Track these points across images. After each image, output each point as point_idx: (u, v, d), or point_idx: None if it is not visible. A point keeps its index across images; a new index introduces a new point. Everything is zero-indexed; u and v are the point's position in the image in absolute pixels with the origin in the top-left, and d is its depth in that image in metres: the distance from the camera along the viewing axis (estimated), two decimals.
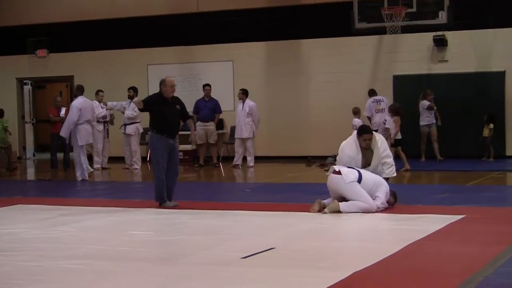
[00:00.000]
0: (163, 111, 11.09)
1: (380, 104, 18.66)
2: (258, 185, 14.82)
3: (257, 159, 19.69)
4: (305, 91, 20.98)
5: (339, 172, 10.08)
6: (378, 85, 20.33)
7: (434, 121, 18.65)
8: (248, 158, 19.24)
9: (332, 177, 10.17)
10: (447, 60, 19.88)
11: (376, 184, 10.11)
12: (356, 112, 18.76)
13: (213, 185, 15.97)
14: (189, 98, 21.08)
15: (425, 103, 18.56)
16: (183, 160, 20.32)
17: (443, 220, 8.99)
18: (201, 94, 20.10)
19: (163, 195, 11.04)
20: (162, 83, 11.27)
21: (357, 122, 18.05)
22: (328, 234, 8.58)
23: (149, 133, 11.51)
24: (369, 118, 18.68)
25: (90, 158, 20.85)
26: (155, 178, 11.13)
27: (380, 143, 10.63)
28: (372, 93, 19.10)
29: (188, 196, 12.65)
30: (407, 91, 19.66)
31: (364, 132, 10.56)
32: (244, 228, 9.01)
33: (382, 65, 20.39)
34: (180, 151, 20.25)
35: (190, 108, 19.54)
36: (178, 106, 11.41)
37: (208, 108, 19.74)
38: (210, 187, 15.35)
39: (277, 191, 13.37)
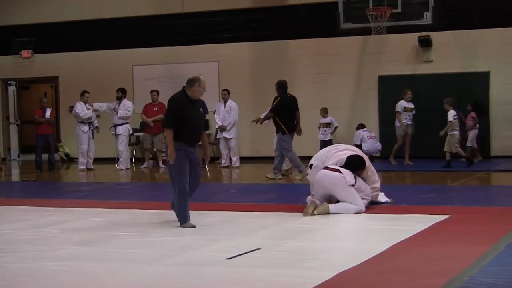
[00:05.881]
0: (187, 114, 9.30)
1: (371, 132, 19.25)
2: (243, 185, 14.82)
3: (242, 159, 19.70)
4: (291, 91, 20.83)
5: (336, 170, 9.86)
6: (364, 85, 20.43)
7: (410, 123, 18.36)
8: (233, 159, 19.29)
9: (326, 173, 9.85)
10: (431, 61, 19.96)
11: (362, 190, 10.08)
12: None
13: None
14: None
15: (402, 103, 18.37)
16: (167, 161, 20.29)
17: (428, 220, 9.02)
18: None
19: (187, 213, 9.29)
20: (196, 81, 9.30)
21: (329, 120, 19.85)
22: (313, 235, 8.58)
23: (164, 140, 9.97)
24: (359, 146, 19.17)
25: (71, 159, 20.90)
26: (176, 194, 9.32)
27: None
28: (362, 126, 19.44)
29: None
30: (392, 91, 19.69)
31: (360, 168, 10.13)
32: (229, 228, 9.00)
33: (368, 66, 20.45)
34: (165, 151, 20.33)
35: None
36: (201, 110, 9.73)
37: None
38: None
39: (263, 191, 13.36)
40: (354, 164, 10.05)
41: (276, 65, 20.99)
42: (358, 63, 20.61)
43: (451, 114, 17.15)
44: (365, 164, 10.16)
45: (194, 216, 9.36)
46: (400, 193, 12.31)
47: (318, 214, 9.65)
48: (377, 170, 10.67)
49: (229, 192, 13.56)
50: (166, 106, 9.66)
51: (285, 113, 15.30)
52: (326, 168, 9.99)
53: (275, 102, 15.38)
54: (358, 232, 8.99)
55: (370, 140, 19.00)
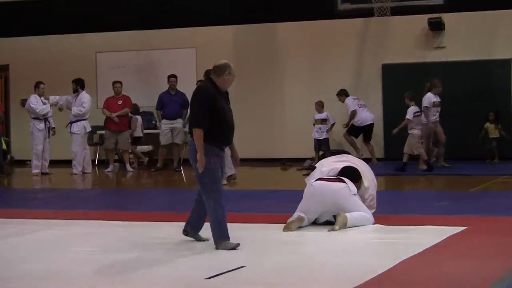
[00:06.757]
0: (221, 109, 8.70)
1: (360, 100, 19.58)
2: (225, 192, 14.69)
3: None
4: (280, 83, 20.97)
5: (336, 180, 9.76)
6: (365, 75, 20.42)
7: (439, 119, 17.85)
8: None
9: (326, 185, 9.69)
10: (444, 47, 20.03)
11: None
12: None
13: (173, 192, 15.85)
14: (146, 90, 21.13)
15: (430, 97, 17.61)
16: (139, 163, 20.26)
17: (441, 233, 8.96)
18: (160, 86, 20.05)
19: (227, 229, 8.58)
20: (227, 69, 8.67)
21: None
22: (306, 249, 8.55)
23: (190, 141, 9.00)
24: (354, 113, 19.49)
25: (20, 162, 20.77)
26: (212, 207, 8.80)
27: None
28: (346, 93, 19.66)
29: (144, 205, 12.54)
30: (398, 82, 19.70)
31: (354, 181, 9.85)
32: (208, 242, 8.87)
33: (369, 53, 20.48)
34: (132, 153, 20.26)
35: (152, 103, 19.64)
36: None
37: (175, 103, 19.49)
38: (170, 195, 15.24)
39: (248, 198, 13.32)
40: (348, 176, 9.91)
41: (262, 52, 20.99)
42: (358, 49, 20.62)
43: (411, 111, 17.15)
44: (360, 177, 10.03)
45: (170, 227, 9.28)
46: (410, 201, 12.29)
47: (339, 229, 9.32)
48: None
49: None
50: (193, 99, 8.80)
51: None
52: (322, 179, 9.87)
53: None
54: (359, 246, 8.87)
55: (362, 109, 19.31)
